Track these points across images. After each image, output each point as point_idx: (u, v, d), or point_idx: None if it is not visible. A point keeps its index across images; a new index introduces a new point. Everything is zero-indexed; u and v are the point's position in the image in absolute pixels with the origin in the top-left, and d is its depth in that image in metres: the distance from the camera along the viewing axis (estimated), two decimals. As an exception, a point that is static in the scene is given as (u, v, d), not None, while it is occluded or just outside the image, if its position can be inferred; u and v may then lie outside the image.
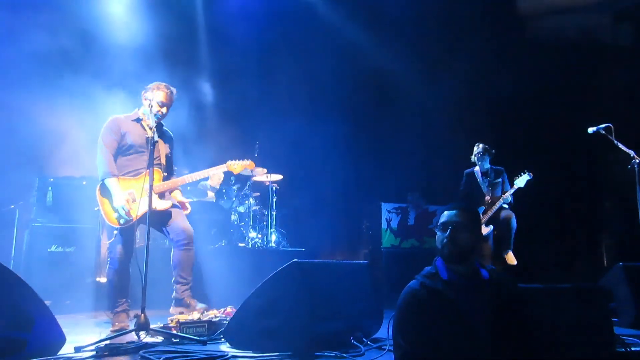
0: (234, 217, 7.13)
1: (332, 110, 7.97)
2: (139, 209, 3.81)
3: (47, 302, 2.93)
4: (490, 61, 8.13)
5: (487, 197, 5.74)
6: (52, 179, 5.77)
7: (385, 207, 8.31)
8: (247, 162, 4.22)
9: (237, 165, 4.19)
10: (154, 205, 3.79)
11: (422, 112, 8.46)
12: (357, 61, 8.16)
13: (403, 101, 8.45)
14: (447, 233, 2.29)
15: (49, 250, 5.40)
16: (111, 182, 3.81)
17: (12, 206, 5.85)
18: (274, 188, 7.21)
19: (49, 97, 5.98)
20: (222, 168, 4.17)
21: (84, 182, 5.95)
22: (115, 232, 3.88)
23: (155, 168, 3.93)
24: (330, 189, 7.78)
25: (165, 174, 4.10)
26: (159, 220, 3.95)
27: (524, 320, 2.26)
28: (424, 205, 8.45)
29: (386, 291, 6.21)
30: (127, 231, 3.89)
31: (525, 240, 6.08)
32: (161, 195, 3.98)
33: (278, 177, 7.36)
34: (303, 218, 7.79)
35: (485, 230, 5.60)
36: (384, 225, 8.22)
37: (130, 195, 3.84)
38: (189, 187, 7.16)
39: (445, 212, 2.35)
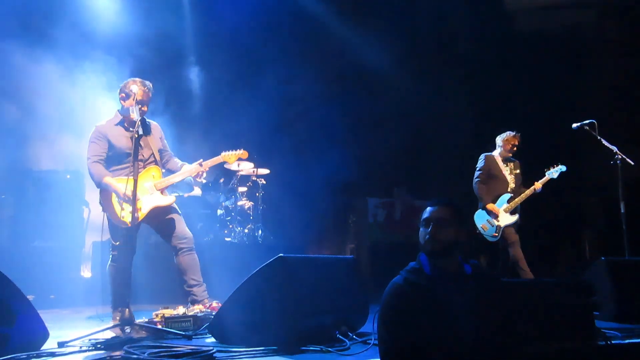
0: (220, 211, 7.11)
1: (317, 103, 7.95)
2: (145, 207, 3.86)
3: (29, 297, 2.92)
4: (477, 55, 8.17)
5: (513, 185, 5.50)
6: (35, 171, 5.71)
7: (371, 202, 8.33)
8: (241, 152, 4.22)
9: (232, 156, 4.18)
10: (157, 202, 3.89)
11: (407, 106, 8.48)
12: (340, 53, 8.16)
13: (389, 94, 8.46)
14: (429, 229, 2.30)
15: (32, 244, 5.34)
16: (108, 181, 3.78)
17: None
18: (260, 182, 7.18)
19: (31, 86, 5.90)
20: (218, 159, 4.16)
21: (68, 176, 5.91)
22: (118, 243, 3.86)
23: (152, 166, 3.97)
24: (317, 184, 7.77)
25: (164, 171, 4.10)
26: (159, 218, 3.96)
27: (507, 315, 2.28)
28: (410, 200, 8.49)
29: (372, 286, 6.23)
30: (132, 229, 3.81)
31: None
32: (163, 191, 4.00)
33: (265, 171, 7.33)
34: (289, 213, 7.78)
35: (512, 218, 5.34)
36: (370, 220, 8.25)
37: (133, 195, 3.79)
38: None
39: (428, 208, 2.36)
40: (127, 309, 3.30)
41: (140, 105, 3.80)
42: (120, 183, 3.81)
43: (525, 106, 7.99)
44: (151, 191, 3.91)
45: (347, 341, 3.12)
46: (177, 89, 7.37)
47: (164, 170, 4.08)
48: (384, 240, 8.10)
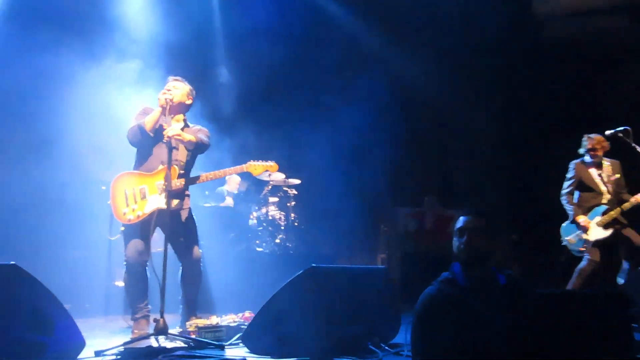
0: (252, 222, 7.16)
1: (347, 113, 7.96)
2: (148, 207, 3.70)
3: (66, 306, 2.97)
4: (507, 64, 8.06)
5: (608, 195, 4.90)
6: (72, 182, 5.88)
7: (401, 211, 8.25)
8: (270, 164, 4.02)
9: (258, 167, 3.99)
10: (160, 205, 3.68)
11: (438, 115, 8.42)
12: (371, 65, 8.16)
13: (419, 104, 8.42)
14: (464, 238, 2.27)
15: (69, 254, 5.49)
16: (146, 119, 3.71)
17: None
18: (291, 193, 7.22)
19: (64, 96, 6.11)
20: (242, 168, 3.97)
21: (103, 187, 6.04)
22: (122, 228, 3.76)
23: (173, 165, 3.72)
24: (347, 194, 7.76)
25: (182, 172, 3.86)
26: (171, 223, 3.72)
27: (541, 327, 2.22)
28: (441, 210, 8.37)
29: (403, 296, 6.16)
30: (139, 230, 3.73)
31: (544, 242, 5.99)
32: (176, 195, 3.79)
33: (296, 181, 7.35)
34: (320, 223, 7.78)
35: (605, 233, 4.81)
36: (401, 229, 8.16)
37: (142, 191, 3.72)
38: (207, 192, 7.21)
39: (461, 218, 2.34)
40: (161, 319, 3.32)
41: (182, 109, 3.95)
42: (138, 178, 3.76)
43: (557, 115, 7.83)
44: (160, 191, 3.72)
45: (379, 352, 3.09)
46: (206, 94, 7.49)
47: (182, 172, 3.86)
48: (415, 250, 8.01)
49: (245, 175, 7.91)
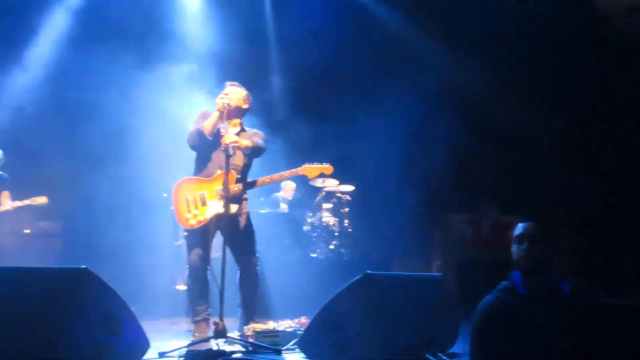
0: (306, 228, 7.22)
1: (400, 117, 7.91)
2: (208, 212, 3.78)
3: (132, 308, 3.11)
4: (566, 64, 7.77)
5: None
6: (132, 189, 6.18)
7: (457, 217, 8.09)
8: (325, 166, 4.00)
9: (313, 169, 3.97)
10: (220, 209, 3.71)
11: (494, 119, 8.21)
12: (425, 65, 8.07)
13: (473, 105, 8.24)
14: (523, 246, 2.22)
15: (132, 259, 5.74)
16: (205, 124, 3.82)
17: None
18: (344, 199, 7.23)
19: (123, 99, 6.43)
20: (297, 171, 3.96)
21: (165, 194, 6.30)
22: (185, 233, 3.92)
23: (230, 170, 3.75)
24: (401, 200, 7.69)
25: (240, 177, 3.93)
26: (230, 228, 3.79)
27: (606, 339, 2.14)
28: (498, 216, 8.14)
29: (461, 305, 6.03)
30: (201, 235, 3.85)
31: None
32: (234, 200, 3.84)
33: (349, 187, 7.36)
34: (374, 229, 7.74)
35: None
36: (457, 236, 8.00)
37: (201, 197, 3.81)
38: (262, 199, 7.34)
39: (520, 224, 2.29)
40: (220, 322, 3.41)
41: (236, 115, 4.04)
42: (196, 184, 3.84)
43: (620, 116, 7.47)
44: (219, 197, 3.77)
45: (436, 362, 3.04)
46: (259, 98, 7.65)
47: (239, 176, 3.92)
48: (471, 257, 7.83)
49: (299, 182, 8.07)
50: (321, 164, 4.01)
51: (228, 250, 3.70)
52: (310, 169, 3.98)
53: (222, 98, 3.83)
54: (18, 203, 5.37)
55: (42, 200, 5.39)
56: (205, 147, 3.87)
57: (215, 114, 3.81)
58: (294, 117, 8.22)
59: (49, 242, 6.33)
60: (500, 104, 7.90)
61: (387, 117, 7.86)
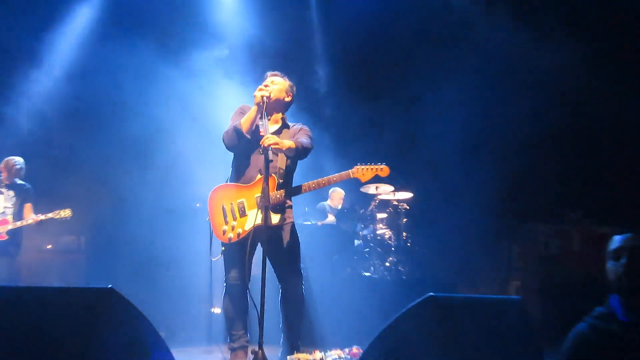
0: (357, 242, 7.22)
1: (466, 111, 7.79)
2: (248, 223, 3.79)
3: (161, 334, 3.17)
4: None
5: None
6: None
7: (540, 229, 7.88)
8: (380, 167, 3.95)
9: (367, 171, 3.92)
10: (260, 220, 3.69)
11: (583, 112, 7.96)
12: (495, 55, 7.92)
13: (557, 98, 8.02)
14: (623, 261, 2.13)
15: (161, 280, 5.88)
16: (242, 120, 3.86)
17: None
18: (402, 208, 7.18)
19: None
20: (348, 174, 3.91)
21: (198, 204, 6.43)
22: (222, 248, 3.92)
23: (271, 174, 3.78)
24: (471, 207, 7.56)
25: (282, 181, 3.91)
26: (271, 240, 3.83)
27: None
28: (591, 227, 7.88)
29: (545, 334, 5.85)
30: (239, 250, 3.86)
31: None
32: (276, 209, 3.86)
33: (407, 194, 7.31)
34: (437, 243, 7.65)
35: None
36: (541, 251, 7.79)
37: (240, 207, 3.84)
38: (306, 209, 7.40)
39: (617, 237, 2.20)
40: (260, 350, 3.43)
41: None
42: (234, 191, 3.87)
43: None
44: (259, 206, 3.77)
45: (516, 400, 2.96)
46: (304, 88, 7.72)
47: (280, 181, 3.91)
48: (558, 277, 7.58)
49: (349, 189, 8.08)
50: (375, 164, 3.96)
51: (269, 267, 3.71)
52: (363, 170, 3.92)
53: (261, 90, 3.84)
54: (41, 217, 5.58)
55: (66, 213, 5.58)
56: (244, 147, 3.90)
57: (254, 108, 3.83)
58: (343, 111, 8.26)
59: (73, 258, 6.67)
60: (591, 97, 7.66)
61: (450, 111, 7.76)
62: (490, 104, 7.75)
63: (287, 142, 3.80)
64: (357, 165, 3.95)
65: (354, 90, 8.36)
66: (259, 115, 3.82)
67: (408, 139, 7.93)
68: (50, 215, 5.56)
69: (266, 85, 3.91)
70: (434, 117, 7.76)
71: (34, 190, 5.82)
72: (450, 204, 7.78)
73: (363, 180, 3.97)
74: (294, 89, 4.14)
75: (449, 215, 7.65)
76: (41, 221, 5.57)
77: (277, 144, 3.68)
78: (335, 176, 3.90)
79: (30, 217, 5.61)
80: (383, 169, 3.95)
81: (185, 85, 6.75)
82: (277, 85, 4.01)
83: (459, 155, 7.71)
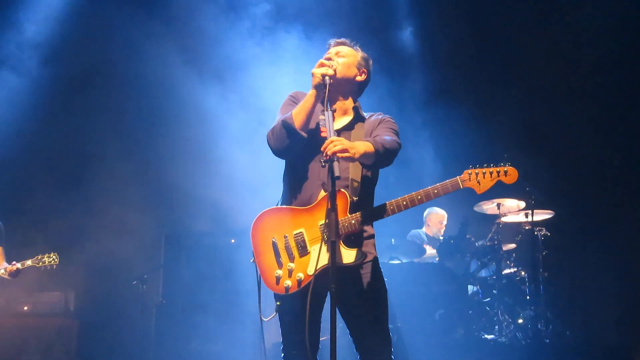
0: (473, 288, 7.29)
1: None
2: (311, 264, 3.72)
3: None
4: None
5: None
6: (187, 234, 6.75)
7: None
8: (504, 168, 3.87)
9: (483, 176, 3.86)
10: (338, 259, 3.64)
11: None
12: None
13: None
14: None
15: (188, 346, 6.21)
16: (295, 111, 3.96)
17: (134, 282, 6.87)
18: (540, 234, 7.16)
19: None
20: (456, 183, 3.83)
21: (233, 240, 6.74)
22: (277, 303, 3.95)
23: (339, 190, 3.75)
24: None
25: (356, 199, 3.86)
26: (345, 288, 3.73)
27: None
28: None
29: None
30: (302, 306, 3.74)
31: None
32: (349, 240, 3.81)
33: (546, 214, 7.30)
34: (597, 285, 7.67)
35: None
36: None
37: (298, 241, 3.83)
38: (393, 241, 7.40)
39: None
40: None
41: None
42: (289, 217, 3.86)
43: None
44: (326, 238, 3.71)
45: None
46: (383, 62, 7.90)
47: (355, 199, 3.86)
48: None
49: (457, 207, 8.09)
50: (497, 165, 3.85)
51: (342, 329, 3.80)
52: (478, 176, 3.83)
53: (322, 66, 3.87)
54: (17, 265, 5.70)
55: (51, 259, 5.77)
56: (299, 151, 3.95)
57: (311, 94, 3.87)
58: (440, 93, 8.43)
59: (59, 323, 6.83)
60: None
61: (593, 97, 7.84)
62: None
63: (362, 146, 3.66)
64: (468, 168, 3.81)
65: (442, 67, 8.52)
66: (319, 103, 3.83)
67: (541, 132, 7.97)
68: (29, 262, 5.71)
69: (329, 59, 3.94)
70: (575, 104, 7.84)
71: (3, 228, 6.00)
72: (612, 226, 7.75)
73: (479, 190, 3.72)
74: (370, 63, 4.16)
75: (611, 243, 7.62)
76: (17, 271, 5.70)
77: (346, 150, 3.54)
78: (437, 187, 3.78)
79: (2, 265, 5.78)
80: (508, 172, 3.78)
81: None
82: (345, 58, 4.06)
83: (620, 153, 7.73)
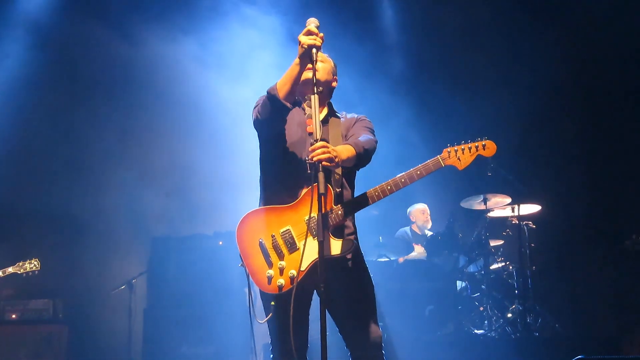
0: (461, 283, 7.30)
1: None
2: (304, 262, 3.69)
3: None
4: None
5: None
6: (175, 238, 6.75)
7: None
8: (482, 142, 3.96)
9: (464, 153, 3.95)
10: (327, 251, 3.68)
11: None
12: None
13: None
14: None
15: (178, 350, 6.20)
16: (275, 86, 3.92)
17: (122, 287, 6.87)
18: (527, 227, 7.18)
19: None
20: (437, 162, 3.88)
21: (220, 242, 6.74)
22: (272, 303, 3.94)
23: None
24: (635, 226, 7.53)
25: (339, 190, 3.89)
26: (333, 282, 3.69)
27: None
28: None
29: None
30: (298, 306, 3.72)
31: None
32: (335, 231, 3.83)
33: (532, 208, 7.32)
34: (585, 278, 7.69)
35: None
36: None
37: (286, 238, 3.81)
38: (380, 238, 7.41)
39: None
40: None
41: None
42: (273, 215, 3.83)
43: None
44: (313, 231, 3.75)
45: None
46: (356, 50, 7.91)
47: (338, 190, 3.88)
48: None
49: (444, 204, 8.10)
50: (474, 140, 3.92)
51: (331, 324, 3.79)
52: (457, 152, 3.94)
53: (309, 34, 3.80)
54: None
55: (32, 265, 5.78)
56: (283, 123, 3.91)
57: (296, 62, 3.73)
58: (422, 75, 8.46)
59: (48, 330, 6.83)
60: None
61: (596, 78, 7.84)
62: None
63: (345, 152, 3.71)
64: (447, 147, 3.89)
65: (438, 34, 8.53)
66: (305, 68, 3.80)
67: (528, 121, 7.98)
68: (10, 270, 5.73)
69: (315, 33, 3.85)
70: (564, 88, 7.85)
71: None
72: (599, 219, 7.77)
73: (461, 167, 3.92)
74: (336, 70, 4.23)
75: (599, 237, 7.64)
76: None
77: (332, 159, 3.57)
78: (419, 168, 3.84)
79: None
80: (487, 146, 3.81)
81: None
82: (323, 63, 4.08)
83: (605, 145, 7.75)
